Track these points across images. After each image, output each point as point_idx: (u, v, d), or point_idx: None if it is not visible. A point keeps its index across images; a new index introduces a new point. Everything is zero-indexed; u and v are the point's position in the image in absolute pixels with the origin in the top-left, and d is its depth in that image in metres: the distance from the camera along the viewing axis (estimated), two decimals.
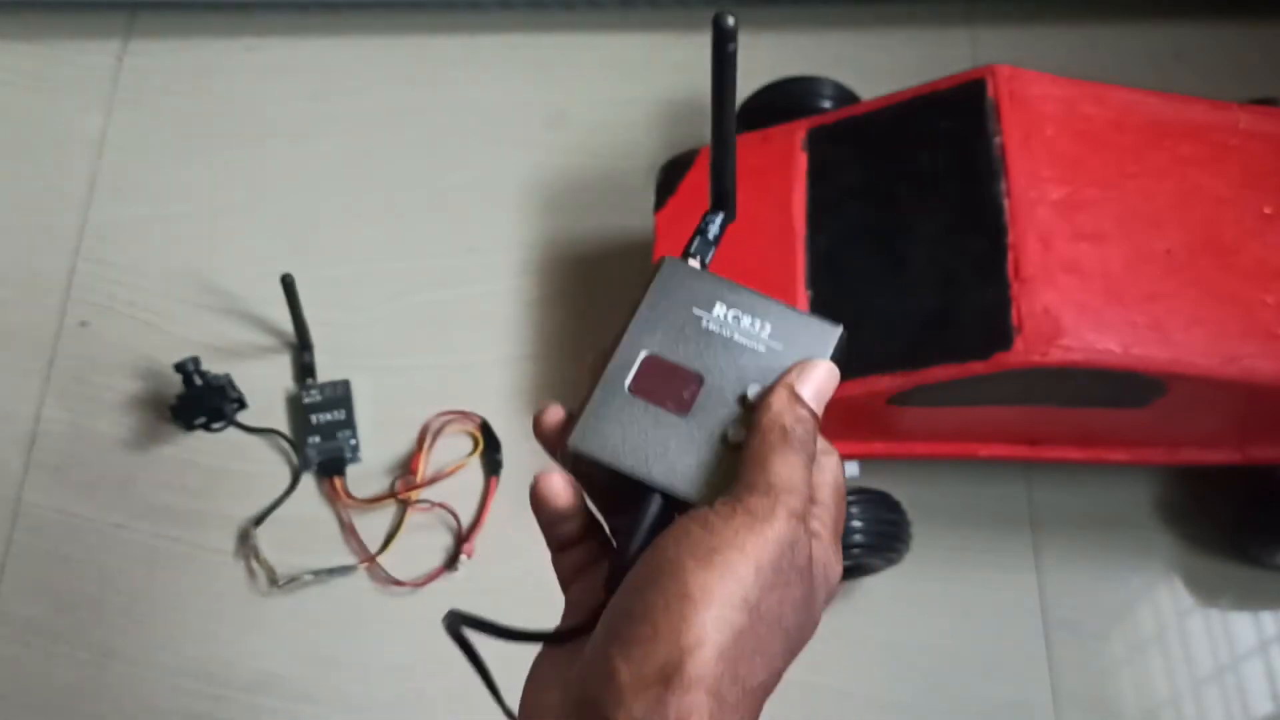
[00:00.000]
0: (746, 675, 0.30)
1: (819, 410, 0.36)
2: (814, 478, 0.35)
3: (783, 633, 0.32)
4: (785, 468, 0.33)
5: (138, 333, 0.86)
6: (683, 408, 0.39)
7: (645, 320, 0.41)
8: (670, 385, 0.40)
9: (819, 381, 0.36)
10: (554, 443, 0.38)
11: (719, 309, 0.41)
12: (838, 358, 0.39)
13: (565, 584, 0.39)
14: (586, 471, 0.38)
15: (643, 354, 0.40)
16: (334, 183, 0.91)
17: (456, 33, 0.97)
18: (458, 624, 0.36)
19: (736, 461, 0.35)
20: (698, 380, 0.40)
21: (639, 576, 0.32)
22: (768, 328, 0.40)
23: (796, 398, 0.36)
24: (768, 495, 0.33)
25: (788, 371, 0.37)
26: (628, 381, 0.40)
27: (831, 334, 0.40)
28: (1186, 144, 0.67)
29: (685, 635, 0.30)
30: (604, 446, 0.39)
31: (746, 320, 0.41)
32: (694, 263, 0.43)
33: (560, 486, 0.37)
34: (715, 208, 0.45)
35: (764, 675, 0.31)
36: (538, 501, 0.37)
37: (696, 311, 0.41)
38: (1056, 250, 0.62)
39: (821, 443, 0.37)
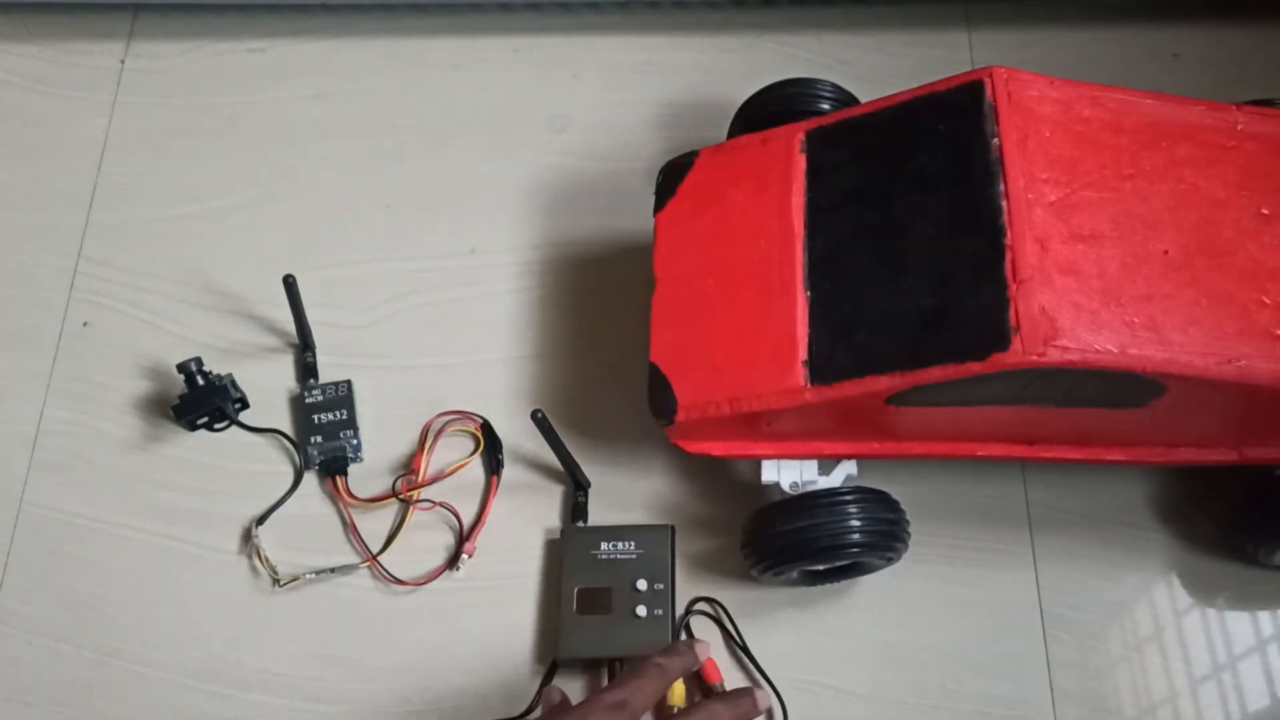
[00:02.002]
0: None
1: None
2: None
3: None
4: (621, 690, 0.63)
5: (140, 333, 0.86)
6: (606, 610, 0.72)
7: (569, 569, 0.74)
8: (597, 600, 0.72)
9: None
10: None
11: (604, 545, 0.74)
12: (671, 544, 0.74)
13: None
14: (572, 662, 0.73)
15: (575, 589, 0.73)
16: (336, 184, 0.92)
17: (457, 34, 0.97)
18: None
19: (642, 626, 0.71)
20: (609, 591, 0.72)
21: None
22: (632, 543, 0.73)
23: (609, 706, 0.61)
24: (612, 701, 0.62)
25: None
26: (573, 609, 0.72)
27: (663, 532, 0.74)
28: (1184, 145, 0.67)
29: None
30: (574, 649, 0.72)
31: (620, 544, 0.73)
32: (581, 524, 0.76)
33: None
34: (578, 489, 0.77)
35: None
36: None
37: (593, 552, 0.74)
38: (1054, 251, 0.63)
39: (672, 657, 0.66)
